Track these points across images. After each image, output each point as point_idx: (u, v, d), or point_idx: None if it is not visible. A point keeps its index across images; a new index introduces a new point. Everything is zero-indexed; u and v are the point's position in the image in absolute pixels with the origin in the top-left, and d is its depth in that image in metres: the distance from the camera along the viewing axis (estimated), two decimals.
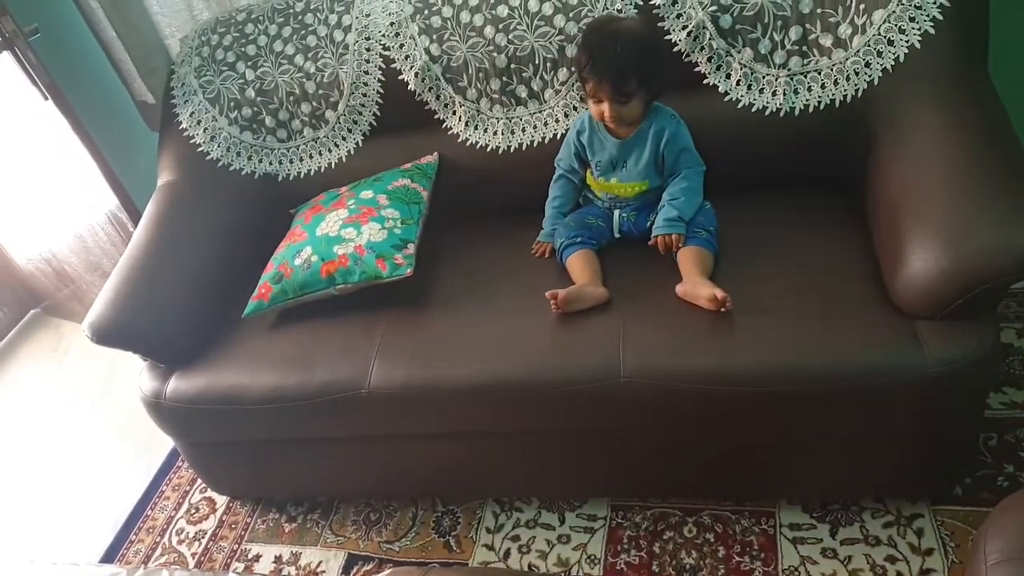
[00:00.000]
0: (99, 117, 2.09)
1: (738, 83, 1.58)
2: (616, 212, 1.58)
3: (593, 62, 1.41)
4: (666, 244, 1.48)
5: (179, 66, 1.92)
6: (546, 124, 1.72)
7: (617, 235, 1.58)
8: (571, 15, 1.62)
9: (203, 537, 1.83)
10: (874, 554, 1.44)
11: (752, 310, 1.36)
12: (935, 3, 1.43)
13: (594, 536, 1.60)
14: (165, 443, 2.03)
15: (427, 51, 1.73)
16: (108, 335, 1.58)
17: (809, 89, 1.54)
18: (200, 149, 1.89)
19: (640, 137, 1.51)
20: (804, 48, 1.53)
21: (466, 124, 1.77)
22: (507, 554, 1.61)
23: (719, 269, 1.45)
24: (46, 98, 1.96)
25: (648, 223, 1.55)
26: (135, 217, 2.16)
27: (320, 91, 1.82)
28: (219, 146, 1.89)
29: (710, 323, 1.36)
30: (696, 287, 1.37)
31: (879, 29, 1.46)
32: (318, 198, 1.80)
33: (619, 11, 1.58)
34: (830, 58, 1.52)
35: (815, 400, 1.29)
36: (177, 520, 1.90)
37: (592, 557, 1.56)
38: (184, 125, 1.90)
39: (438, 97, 1.77)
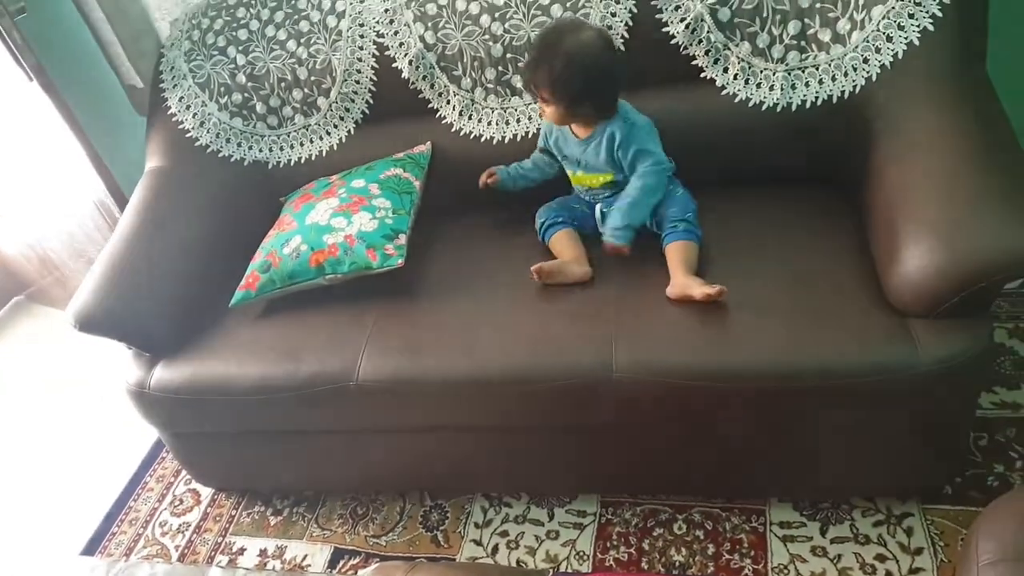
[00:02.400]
0: (86, 100, 2.05)
1: (735, 77, 1.57)
2: (597, 207, 1.58)
3: (536, 70, 1.43)
4: (615, 250, 1.46)
5: (168, 50, 1.88)
6: (540, 116, 1.70)
7: (601, 229, 1.57)
8: (568, 5, 1.60)
9: (187, 529, 1.81)
10: (864, 553, 1.43)
11: (745, 307, 1.35)
12: (935, 0, 1.42)
13: (583, 532, 1.59)
14: (149, 434, 2.00)
15: (422, 39, 1.70)
16: (92, 324, 1.55)
17: (807, 84, 1.53)
18: (189, 135, 1.86)
19: (594, 138, 1.51)
20: (802, 43, 1.52)
21: (460, 113, 1.75)
22: (495, 549, 1.60)
23: (713, 266, 1.44)
24: (31, 80, 1.92)
25: None
26: (122, 203, 2.12)
27: (312, 78, 1.79)
28: (208, 132, 1.86)
29: (703, 319, 1.35)
30: (686, 288, 1.36)
31: (878, 25, 1.45)
32: (308, 186, 1.78)
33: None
34: (828, 53, 1.51)
35: (807, 398, 1.29)
36: (160, 512, 1.87)
37: (581, 553, 1.55)
38: (173, 110, 1.87)
39: (432, 86, 1.75)
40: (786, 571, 1.44)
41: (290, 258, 1.56)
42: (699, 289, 1.33)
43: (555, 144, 1.59)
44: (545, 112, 1.48)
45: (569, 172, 1.61)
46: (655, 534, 1.55)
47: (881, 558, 1.42)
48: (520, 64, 1.64)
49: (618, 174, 1.53)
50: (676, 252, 1.42)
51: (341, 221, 1.57)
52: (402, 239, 1.56)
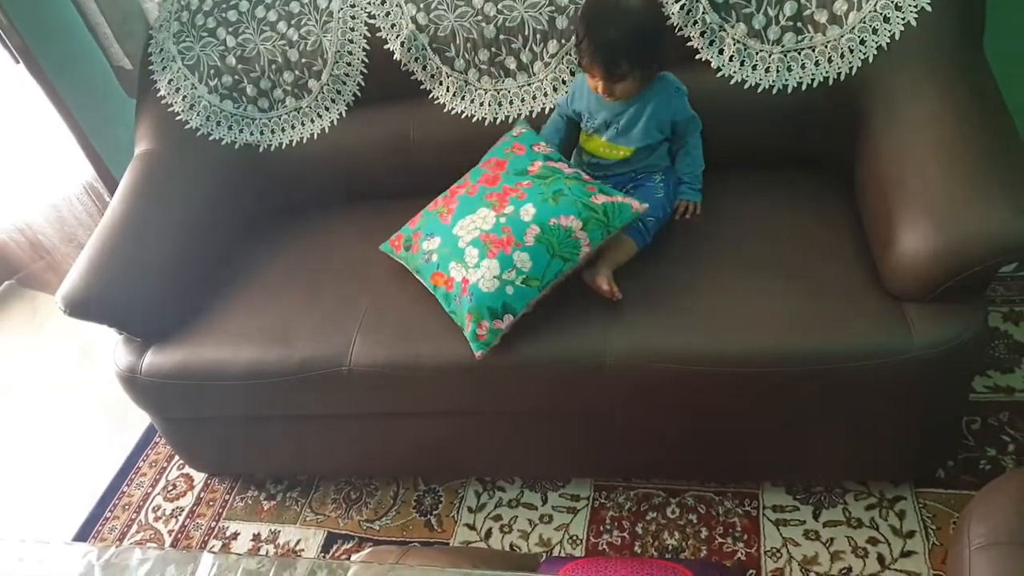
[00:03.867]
0: (74, 83, 2.02)
1: (731, 59, 1.55)
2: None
3: (588, 40, 1.38)
4: (684, 209, 1.53)
5: (157, 31, 1.85)
6: (534, 98, 1.69)
7: None
8: None
9: (180, 514, 1.81)
10: (856, 536, 1.44)
11: (739, 291, 1.34)
12: None
13: (577, 516, 1.59)
14: (142, 418, 1.99)
15: (414, 20, 1.68)
16: (82, 308, 1.54)
17: (803, 66, 1.52)
18: (179, 118, 1.84)
19: (638, 105, 1.47)
20: (798, 24, 1.50)
21: (453, 95, 1.73)
22: (489, 533, 1.60)
23: (707, 249, 1.44)
24: (17, 62, 1.90)
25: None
26: (111, 187, 2.10)
27: (303, 59, 1.77)
28: (198, 115, 1.84)
29: (697, 304, 1.34)
30: (596, 278, 1.37)
31: (875, 6, 1.44)
32: (502, 164, 1.51)
33: None
34: (824, 35, 1.49)
35: (801, 382, 1.28)
36: (154, 497, 1.87)
37: (574, 537, 1.56)
38: (162, 93, 1.84)
39: (424, 67, 1.73)
40: (779, 554, 1.44)
41: (422, 256, 1.46)
42: (604, 282, 1.36)
43: (586, 108, 1.53)
44: (616, 91, 1.42)
45: (593, 138, 1.55)
46: (648, 518, 1.55)
47: (873, 541, 1.42)
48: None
49: (639, 151, 1.51)
50: (614, 243, 1.42)
51: (474, 255, 1.36)
52: (506, 322, 1.33)
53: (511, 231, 1.36)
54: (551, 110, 1.65)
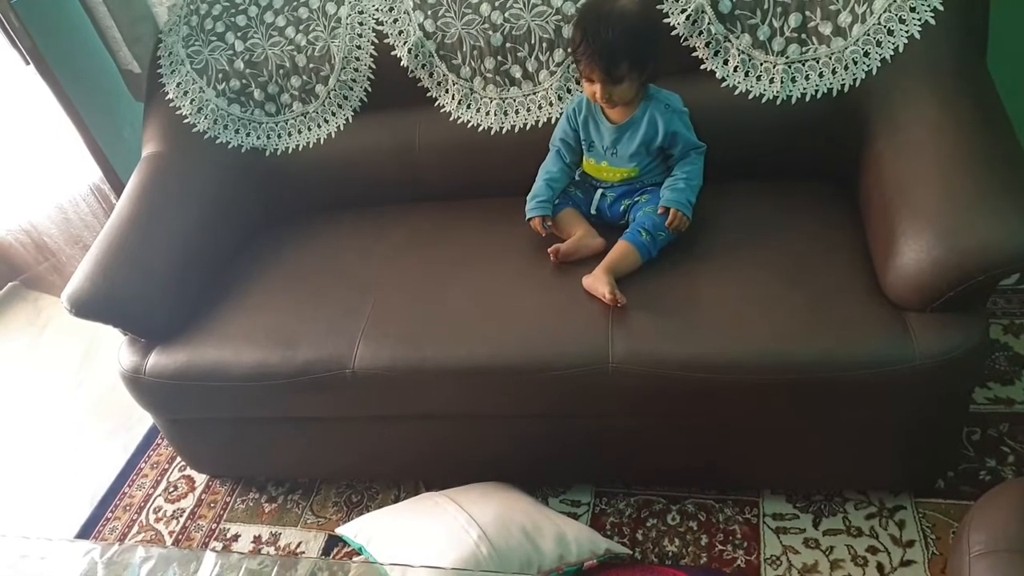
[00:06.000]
0: (83, 85, 2.04)
1: (735, 69, 1.56)
2: (598, 190, 1.57)
3: (586, 43, 1.39)
4: (674, 216, 1.46)
5: (166, 35, 1.87)
6: (540, 107, 1.70)
7: (593, 212, 1.57)
8: None
9: (181, 515, 1.81)
10: (856, 545, 1.44)
11: (742, 299, 1.35)
12: None
13: (578, 522, 1.59)
14: (144, 420, 2.00)
15: (421, 27, 1.70)
16: (87, 308, 1.54)
17: (807, 78, 1.53)
18: (187, 121, 1.85)
19: (633, 124, 1.50)
20: (803, 36, 1.52)
21: (459, 103, 1.74)
22: None
23: (709, 257, 1.44)
24: (27, 63, 1.91)
25: (622, 208, 1.54)
26: (118, 189, 2.11)
27: (311, 65, 1.79)
28: (206, 118, 1.85)
29: (700, 311, 1.35)
30: (597, 282, 1.39)
31: (879, 18, 1.45)
32: None
33: None
34: (829, 46, 1.50)
35: (803, 390, 1.29)
36: (155, 498, 1.87)
37: None
38: (170, 96, 1.86)
39: (431, 74, 1.74)
40: (778, 562, 1.44)
41: None
42: (607, 290, 1.36)
43: (583, 128, 1.54)
44: (615, 95, 1.42)
45: (590, 162, 1.57)
46: (649, 524, 1.55)
47: (873, 550, 1.43)
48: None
49: (643, 168, 1.52)
50: (618, 251, 1.44)
51: None
52: None
53: None
54: (556, 120, 1.66)
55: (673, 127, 1.48)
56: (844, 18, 1.48)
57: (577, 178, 1.62)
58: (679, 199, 1.46)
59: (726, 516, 1.53)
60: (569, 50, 1.60)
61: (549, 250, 1.48)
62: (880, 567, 1.40)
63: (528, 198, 1.57)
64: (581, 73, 1.46)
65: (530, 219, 1.55)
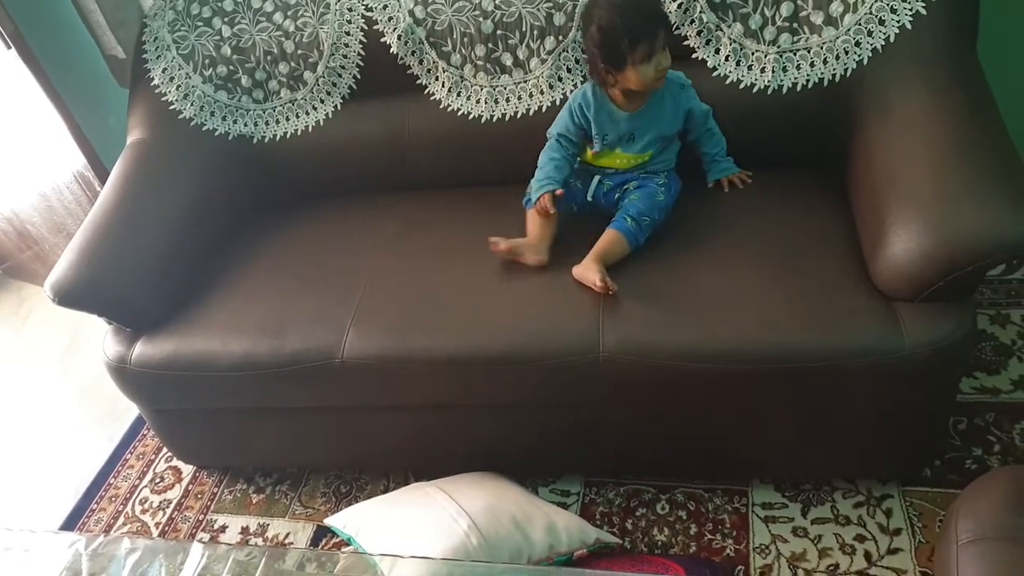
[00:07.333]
0: (66, 70, 2.01)
1: (727, 58, 1.56)
2: (596, 176, 1.56)
3: (644, 19, 1.36)
4: (730, 182, 1.57)
5: (152, 20, 1.84)
6: (531, 95, 1.69)
7: (590, 199, 1.56)
8: None
9: (168, 507, 1.79)
10: (844, 533, 1.45)
11: (732, 289, 1.35)
12: None
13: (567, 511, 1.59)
14: (130, 410, 1.98)
15: (411, 13, 1.68)
16: (71, 296, 1.52)
17: (798, 67, 1.53)
18: (172, 107, 1.82)
19: (654, 106, 1.48)
20: (795, 25, 1.51)
21: (449, 90, 1.73)
22: None
23: (699, 247, 1.44)
24: (9, 47, 1.88)
25: (616, 197, 1.53)
26: (103, 177, 2.08)
27: (299, 51, 1.76)
28: (192, 105, 1.82)
29: (690, 301, 1.35)
30: (587, 271, 1.39)
31: (870, 8, 1.45)
32: None
33: None
34: (820, 36, 1.50)
35: (792, 379, 1.29)
36: (141, 489, 1.85)
37: None
38: (156, 82, 1.83)
39: (421, 62, 1.72)
40: (767, 551, 1.45)
41: None
42: (598, 278, 1.36)
43: (595, 122, 1.50)
44: (655, 70, 1.39)
45: (600, 152, 1.54)
46: (638, 514, 1.56)
47: (861, 538, 1.44)
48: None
49: (656, 154, 1.52)
50: (606, 239, 1.44)
51: None
52: None
53: None
54: (547, 108, 1.65)
55: (688, 103, 1.50)
56: (836, 7, 1.47)
57: (576, 166, 1.60)
58: (730, 167, 1.57)
59: (715, 505, 1.54)
60: (562, 38, 1.58)
61: (492, 239, 1.45)
62: (868, 555, 1.41)
63: (533, 181, 1.53)
64: (636, 60, 1.36)
65: (537, 198, 1.49)
